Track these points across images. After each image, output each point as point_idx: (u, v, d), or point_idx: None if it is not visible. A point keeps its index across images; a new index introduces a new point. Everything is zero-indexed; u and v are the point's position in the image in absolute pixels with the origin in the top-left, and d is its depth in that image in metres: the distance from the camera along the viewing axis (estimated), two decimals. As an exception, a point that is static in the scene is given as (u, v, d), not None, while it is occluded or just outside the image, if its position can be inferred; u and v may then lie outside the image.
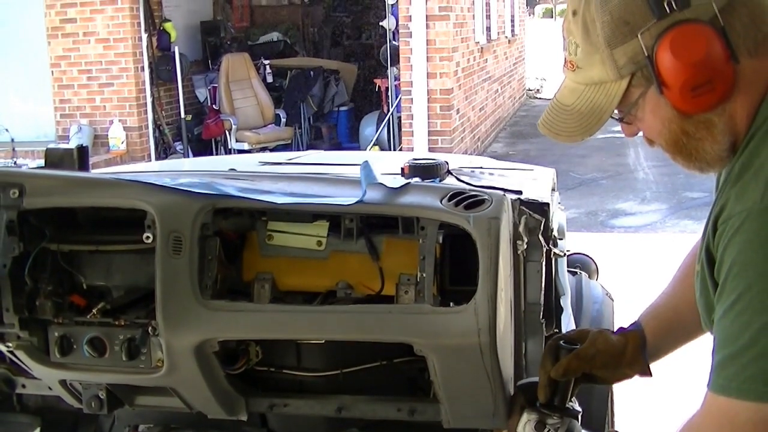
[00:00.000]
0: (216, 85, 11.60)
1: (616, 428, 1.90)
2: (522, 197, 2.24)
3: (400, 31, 10.45)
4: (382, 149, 10.48)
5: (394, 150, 10.49)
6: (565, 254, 2.69)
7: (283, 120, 11.78)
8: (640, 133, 1.57)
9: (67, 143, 10.44)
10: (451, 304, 2.00)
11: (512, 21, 17.63)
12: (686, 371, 3.55)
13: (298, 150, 10.89)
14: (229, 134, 11.10)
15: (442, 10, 10.30)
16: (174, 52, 11.20)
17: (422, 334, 1.96)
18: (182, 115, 11.35)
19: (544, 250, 2.27)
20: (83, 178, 2.23)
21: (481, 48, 13.00)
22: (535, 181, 2.85)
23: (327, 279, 2.20)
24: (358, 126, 11.86)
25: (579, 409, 1.90)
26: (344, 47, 14.96)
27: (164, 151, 11.53)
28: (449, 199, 2.06)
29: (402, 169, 2.44)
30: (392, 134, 10.82)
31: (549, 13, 59.93)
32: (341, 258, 2.19)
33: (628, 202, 9.53)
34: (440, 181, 2.38)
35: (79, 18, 11.13)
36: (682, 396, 4.29)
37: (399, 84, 10.63)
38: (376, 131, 10.95)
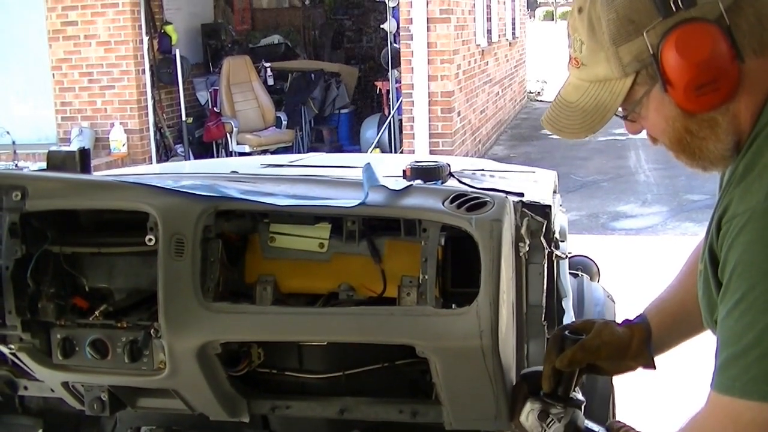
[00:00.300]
0: (217, 87, 11.60)
1: (617, 419, 1.89)
2: (524, 199, 2.24)
3: (401, 33, 10.45)
4: (383, 152, 10.48)
5: (395, 153, 10.49)
6: (566, 256, 2.69)
7: (284, 123, 11.78)
8: (643, 133, 1.57)
9: (68, 146, 10.45)
10: (453, 306, 2.01)
11: (513, 24, 17.64)
12: (688, 365, 3.56)
13: (299, 153, 10.89)
14: (230, 137, 11.10)
15: (443, 13, 10.30)
16: (175, 54, 11.20)
17: (424, 336, 1.96)
18: (183, 117, 11.36)
19: (546, 252, 2.27)
20: (85, 181, 2.23)
21: (482, 51, 13.01)
22: (537, 184, 2.86)
23: (329, 281, 2.20)
24: (359, 129, 11.85)
25: (582, 399, 1.89)
26: (345, 50, 14.97)
27: (165, 153, 11.53)
28: (451, 202, 2.06)
29: (404, 171, 2.44)
30: (393, 137, 10.82)
31: (550, 16, 59.95)
32: (343, 260, 2.19)
33: (629, 204, 9.53)
34: (442, 183, 2.38)
35: (80, 21, 11.13)
36: (682, 389, 4.32)
37: (400, 87, 10.63)
38: (377, 134, 10.95)
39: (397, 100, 10.71)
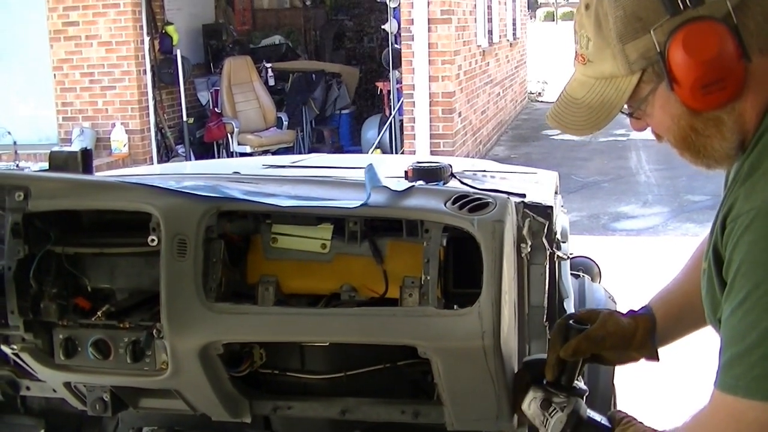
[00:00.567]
0: (218, 88, 11.60)
1: (618, 409, 1.89)
2: (526, 200, 2.24)
3: (402, 34, 10.45)
4: (383, 152, 10.48)
5: (396, 153, 10.49)
6: (568, 257, 2.69)
7: (285, 123, 11.77)
8: (643, 134, 1.57)
9: (69, 146, 10.45)
10: (455, 306, 2.01)
11: (514, 24, 17.63)
12: (689, 358, 3.56)
13: (300, 153, 10.89)
14: (231, 137, 11.10)
15: (444, 14, 10.30)
16: (176, 55, 11.20)
17: (426, 336, 1.96)
18: (184, 118, 11.35)
19: (548, 253, 2.27)
20: (88, 181, 2.24)
21: (483, 51, 13.01)
22: (539, 185, 2.86)
23: (331, 282, 2.20)
24: (360, 129, 11.85)
25: (585, 388, 1.89)
26: (346, 50, 14.96)
27: (166, 154, 11.54)
28: (453, 202, 2.06)
29: (405, 172, 2.44)
30: (394, 137, 10.82)
31: (551, 17, 59.95)
32: (345, 261, 2.19)
33: (630, 205, 9.53)
34: (444, 184, 2.39)
35: (81, 21, 11.13)
36: (683, 381, 4.33)
37: (401, 87, 10.63)
38: (378, 134, 10.95)
39: (398, 101, 10.71)
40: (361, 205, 2.07)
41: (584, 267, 3.67)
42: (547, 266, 2.28)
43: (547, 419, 1.85)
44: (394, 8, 10.59)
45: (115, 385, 2.25)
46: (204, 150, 11.57)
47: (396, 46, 10.76)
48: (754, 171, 1.40)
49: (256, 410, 2.28)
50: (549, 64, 22.59)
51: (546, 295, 2.27)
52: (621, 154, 12.54)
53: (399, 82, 10.72)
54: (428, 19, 10.25)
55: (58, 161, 2.42)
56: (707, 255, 1.49)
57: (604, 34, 1.45)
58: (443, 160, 2.55)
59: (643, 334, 1.86)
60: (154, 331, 2.10)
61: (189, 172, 3.49)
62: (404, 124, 10.59)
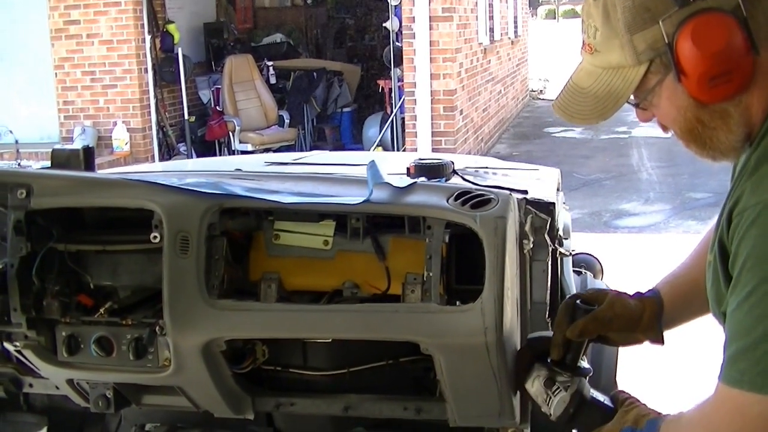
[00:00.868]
0: (219, 86, 11.60)
1: (620, 389, 1.88)
2: (528, 197, 2.24)
3: (403, 32, 10.45)
4: (385, 150, 10.47)
5: (398, 151, 10.49)
6: (570, 254, 2.69)
7: (287, 121, 11.78)
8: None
9: (71, 144, 10.44)
10: (458, 303, 2.01)
11: (515, 22, 17.62)
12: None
13: (302, 151, 10.89)
14: (233, 135, 11.10)
15: (445, 12, 10.30)
16: (177, 53, 11.20)
17: (429, 333, 1.96)
18: (185, 116, 11.36)
19: (550, 249, 2.27)
20: (90, 179, 2.24)
21: (485, 49, 13.00)
22: (541, 181, 2.86)
23: (333, 278, 2.20)
24: (362, 127, 11.85)
25: (589, 368, 1.88)
26: (347, 48, 14.96)
27: (167, 152, 11.54)
28: (456, 199, 2.06)
29: (408, 169, 2.45)
30: (395, 135, 10.82)
31: (552, 15, 59.92)
32: (348, 257, 2.19)
33: (632, 202, 9.52)
34: (446, 180, 2.39)
35: (82, 20, 11.12)
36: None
37: (402, 85, 10.63)
38: (380, 132, 10.95)
39: (400, 99, 10.71)
40: (364, 201, 2.07)
41: (586, 264, 3.67)
42: (550, 263, 2.28)
43: (550, 398, 1.84)
44: (395, 6, 10.59)
45: (118, 382, 2.25)
46: (205, 148, 11.57)
47: (397, 44, 10.76)
48: (761, 165, 1.40)
49: (259, 407, 2.28)
50: (550, 62, 22.60)
51: (548, 291, 2.27)
52: (623, 151, 12.53)
53: (400, 79, 10.72)
54: (430, 16, 10.24)
55: (60, 159, 2.43)
56: (713, 248, 1.49)
57: (612, 24, 1.45)
58: (445, 158, 2.55)
59: (649, 317, 1.85)
60: (157, 328, 2.10)
61: (191, 170, 3.49)
62: (406, 122, 10.59)
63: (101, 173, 2.52)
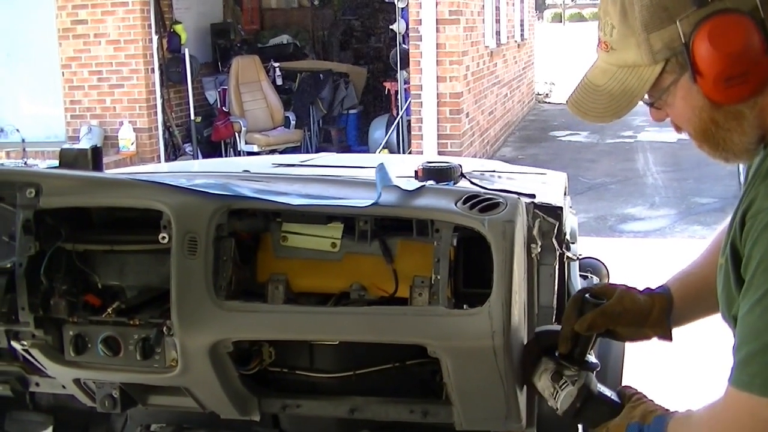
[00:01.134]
0: (226, 87, 11.61)
1: (627, 384, 1.87)
2: (536, 201, 2.24)
3: (410, 34, 10.45)
4: (391, 153, 10.47)
5: (403, 153, 10.48)
6: (577, 258, 2.69)
7: (293, 122, 11.78)
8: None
9: (77, 144, 10.46)
10: (466, 306, 2.01)
11: (522, 25, 17.62)
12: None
13: (307, 153, 10.89)
14: (239, 136, 11.11)
15: (452, 14, 10.30)
16: (184, 54, 11.21)
17: (436, 336, 1.96)
18: (192, 116, 11.37)
19: (557, 253, 2.27)
20: (99, 179, 2.24)
21: (491, 52, 13.00)
22: (548, 185, 2.86)
23: (341, 280, 2.20)
24: (367, 129, 11.85)
25: (597, 362, 1.87)
26: (354, 50, 14.96)
27: (173, 152, 11.55)
28: (464, 202, 2.06)
29: (416, 171, 2.45)
30: (401, 137, 10.82)
31: (558, 18, 59.90)
32: (355, 260, 2.19)
33: (638, 207, 9.51)
34: (454, 184, 2.39)
35: (90, 19, 11.15)
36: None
37: (408, 87, 10.63)
38: (386, 135, 10.95)
39: (406, 101, 10.71)
40: (372, 204, 2.07)
41: (592, 268, 3.67)
42: (557, 267, 2.28)
43: (558, 392, 1.83)
44: (402, 8, 10.60)
45: (125, 382, 2.25)
46: (211, 149, 11.58)
47: (404, 46, 10.77)
48: None
49: (265, 408, 2.28)
50: (556, 66, 22.59)
51: (555, 295, 2.27)
52: (628, 155, 12.52)
53: (407, 82, 10.72)
54: (436, 19, 10.24)
55: (68, 158, 2.43)
56: (724, 251, 1.49)
57: (629, 22, 1.44)
58: (453, 161, 2.55)
59: (659, 313, 1.84)
60: (164, 328, 2.10)
61: (199, 170, 3.50)
62: (411, 125, 10.59)
63: (110, 173, 2.52)
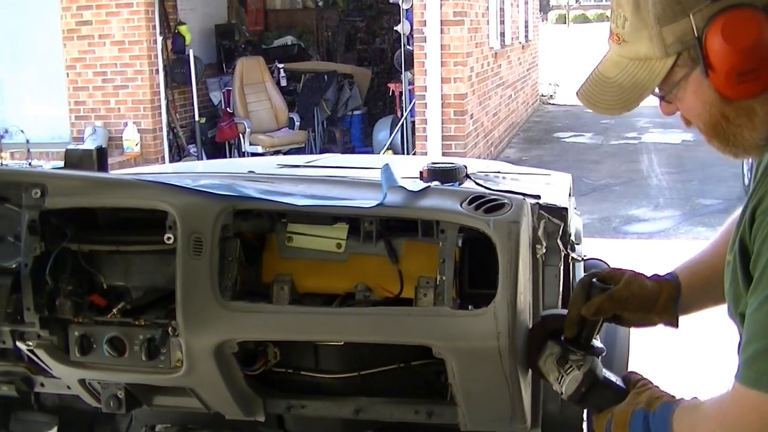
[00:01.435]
0: (230, 88, 11.62)
1: (633, 370, 1.86)
2: (541, 202, 2.24)
3: (414, 35, 10.45)
4: (395, 153, 10.47)
5: (407, 155, 10.48)
6: (582, 259, 2.69)
7: (297, 123, 11.79)
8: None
9: (82, 145, 10.47)
10: (471, 307, 2.01)
11: (526, 27, 17.61)
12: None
13: (312, 154, 10.89)
14: (243, 137, 11.12)
15: (456, 15, 10.30)
16: (188, 55, 11.22)
17: (441, 336, 1.96)
18: (196, 117, 11.38)
19: (562, 254, 2.27)
20: (105, 179, 2.25)
21: (495, 53, 12.99)
22: (553, 186, 2.86)
23: (346, 281, 2.20)
24: (372, 130, 11.85)
25: (603, 347, 1.86)
26: (358, 51, 14.98)
27: (178, 153, 11.56)
28: (469, 203, 2.06)
29: (421, 172, 2.45)
30: (405, 139, 10.82)
31: (562, 19, 59.87)
32: (360, 260, 2.19)
33: (642, 208, 9.50)
34: (459, 184, 2.39)
35: (94, 20, 11.16)
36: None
37: (413, 88, 10.63)
38: (390, 136, 10.95)
39: (410, 102, 10.71)
40: (377, 204, 2.07)
41: (597, 269, 3.67)
42: (562, 268, 2.28)
43: (563, 376, 1.82)
44: (406, 10, 10.59)
45: (130, 382, 2.25)
46: (215, 150, 11.59)
47: (408, 47, 10.76)
48: None
49: (270, 409, 2.28)
50: (561, 67, 22.57)
51: (560, 296, 2.27)
52: (632, 157, 12.51)
53: (411, 83, 10.72)
54: (441, 20, 10.24)
55: (73, 159, 2.44)
56: (732, 247, 1.48)
57: (642, 15, 1.43)
58: (458, 162, 2.55)
59: (666, 300, 1.84)
60: (170, 329, 2.10)
61: (203, 171, 3.50)
62: (416, 126, 10.59)
63: (115, 174, 2.53)
